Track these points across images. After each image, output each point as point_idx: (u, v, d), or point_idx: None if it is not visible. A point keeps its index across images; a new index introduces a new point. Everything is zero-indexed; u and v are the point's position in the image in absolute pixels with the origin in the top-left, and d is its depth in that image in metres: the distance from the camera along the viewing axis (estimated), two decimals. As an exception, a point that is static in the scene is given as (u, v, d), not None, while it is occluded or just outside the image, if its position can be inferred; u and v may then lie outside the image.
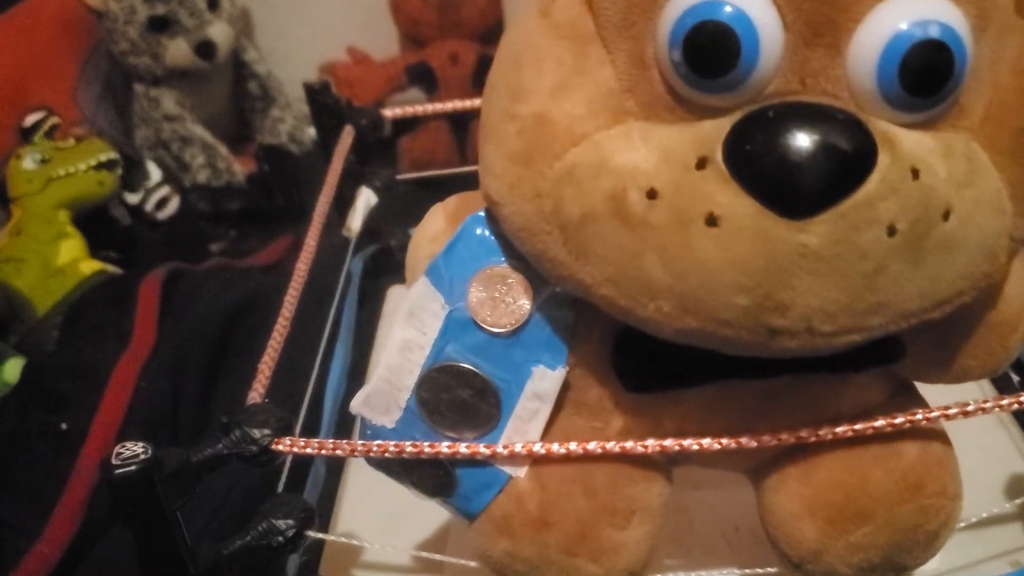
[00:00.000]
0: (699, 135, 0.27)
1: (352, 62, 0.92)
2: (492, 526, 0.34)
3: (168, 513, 0.33)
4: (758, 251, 0.26)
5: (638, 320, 0.29)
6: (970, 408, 0.33)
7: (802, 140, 0.26)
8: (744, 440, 0.32)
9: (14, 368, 0.62)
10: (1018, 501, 0.40)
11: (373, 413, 0.34)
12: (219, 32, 0.84)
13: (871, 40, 0.27)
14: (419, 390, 0.33)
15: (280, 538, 0.35)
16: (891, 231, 0.26)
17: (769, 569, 0.36)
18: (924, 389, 0.36)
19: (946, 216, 0.27)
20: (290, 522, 0.36)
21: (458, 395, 0.33)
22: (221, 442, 0.34)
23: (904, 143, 0.27)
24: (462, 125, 0.84)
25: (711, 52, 0.27)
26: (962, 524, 0.36)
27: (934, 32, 0.26)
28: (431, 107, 0.61)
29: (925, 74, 0.27)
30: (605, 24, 0.29)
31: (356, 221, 0.58)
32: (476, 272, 0.32)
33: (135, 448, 0.32)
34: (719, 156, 0.27)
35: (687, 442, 0.33)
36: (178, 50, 0.83)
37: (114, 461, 0.31)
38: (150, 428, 0.55)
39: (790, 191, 0.26)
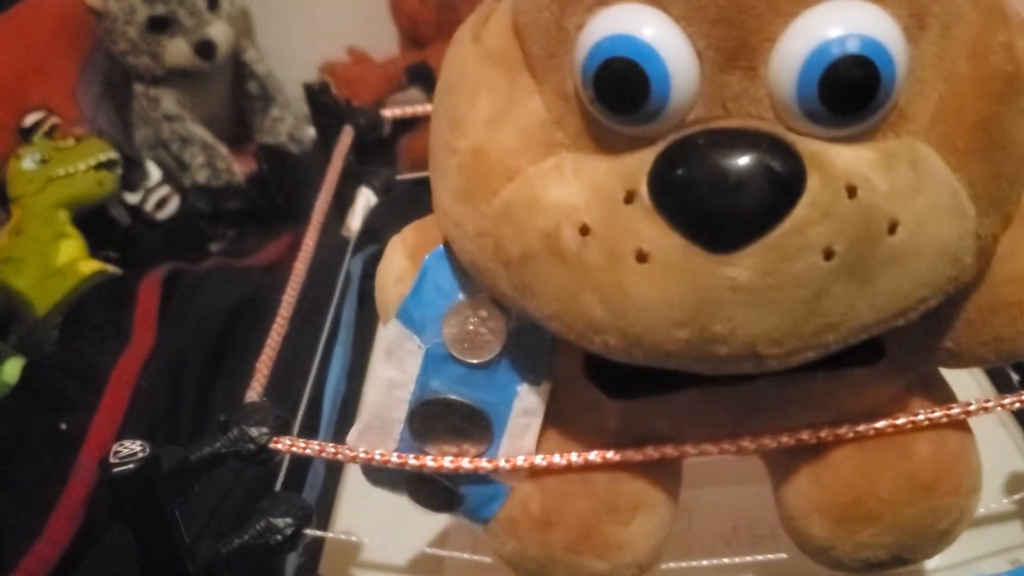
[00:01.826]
0: (626, 168, 0.27)
1: (352, 62, 0.92)
2: (500, 528, 0.34)
3: (166, 512, 0.33)
4: (688, 287, 0.26)
5: (591, 350, 0.29)
6: (972, 408, 0.33)
7: (721, 171, 0.25)
8: (745, 444, 0.32)
9: (14, 368, 0.62)
10: (1017, 498, 0.40)
11: (370, 446, 0.35)
12: (219, 32, 0.84)
13: (788, 60, 0.25)
14: (411, 423, 0.34)
15: (279, 537, 0.35)
16: (828, 255, 0.25)
17: (770, 556, 0.36)
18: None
19: (892, 230, 0.26)
20: (289, 520, 0.36)
21: (450, 423, 0.33)
22: (219, 441, 0.34)
23: (837, 161, 0.26)
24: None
25: (619, 89, 0.26)
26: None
27: (853, 47, 0.25)
28: (431, 107, 0.61)
29: (847, 91, 0.25)
30: (531, 53, 0.29)
31: (356, 221, 0.58)
32: (446, 309, 0.32)
33: (133, 446, 0.32)
34: (644, 190, 0.26)
35: (688, 448, 0.33)
36: (178, 50, 0.83)
37: (112, 459, 0.31)
38: (149, 428, 0.55)
39: (712, 225, 0.25)
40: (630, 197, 0.26)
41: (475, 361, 0.32)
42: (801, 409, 0.33)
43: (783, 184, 0.25)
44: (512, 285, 0.29)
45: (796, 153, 0.25)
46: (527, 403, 0.33)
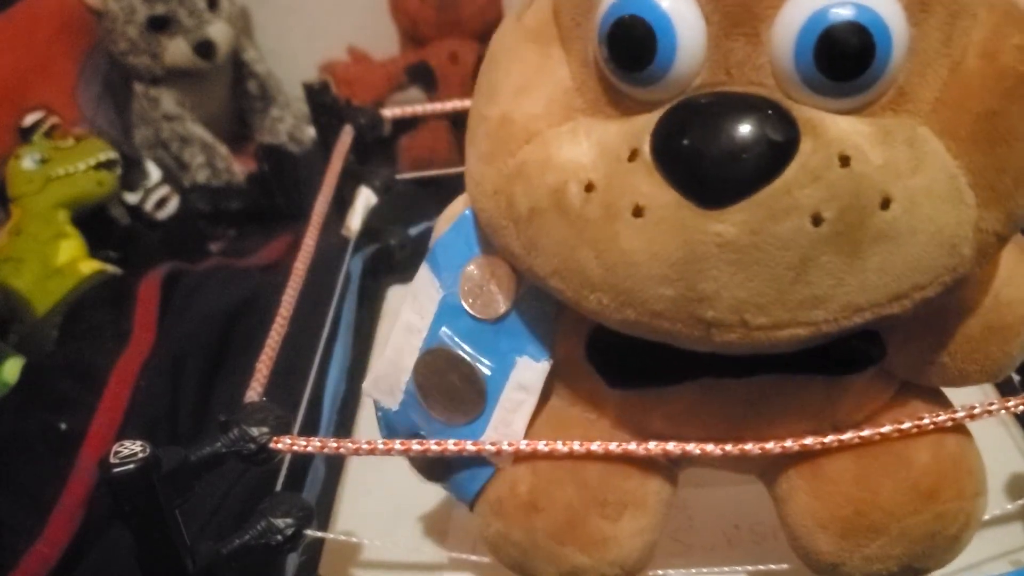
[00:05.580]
0: (632, 128, 0.28)
1: (352, 61, 0.92)
2: (487, 507, 0.35)
3: (167, 512, 0.33)
4: (677, 241, 0.27)
5: (586, 312, 0.30)
6: (976, 411, 0.33)
7: (717, 129, 0.26)
8: (748, 447, 0.32)
9: (14, 368, 0.62)
10: (1019, 502, 0.40)
11: (381, 394, 0.35)
12: (219, 32, 0.84)
13: (788, 26, 0.27)
14: (415, 373, 0.34)
15: (279, 537, 0.35)
16: (816, 220, 0.26)
17: (772, 566, 0.36)
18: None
19: (885, 205, 0.26)
20: (289, 521, 0.36)
21: (447, 379, 0.34)
22: (219, 440, 0.34)
23: (831, 129, 0.27)
24: (462, 124, 0.83)
25: (629, 47, 0.27)
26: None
27: (849, 14, 0.26)
28: (431, 107, 0.61)
29: (841, 57, 0.26)
30: (562, 26, 0.30)
31: (356, 221, 0.58)
32: (468, 260, 0.34)
33: (133, 447, 0.32)
34: (646, 148, 0.27)
35: (690, 447, 0.33)
36: (177, 50, 0.83)
37: (112, 460, 0.31)
38: (149, 428, 0.55)
39: (704, 180, 0.26)
40: (633, 155, 0.27)
41: (481, 317, 0.33)
42: (798, 417, 0.32)
43: (776, 145, 0.26)
44: (521, 243, 0.30)
45: (791, 117, 0.26)
46: (523, 378, 0.33)
